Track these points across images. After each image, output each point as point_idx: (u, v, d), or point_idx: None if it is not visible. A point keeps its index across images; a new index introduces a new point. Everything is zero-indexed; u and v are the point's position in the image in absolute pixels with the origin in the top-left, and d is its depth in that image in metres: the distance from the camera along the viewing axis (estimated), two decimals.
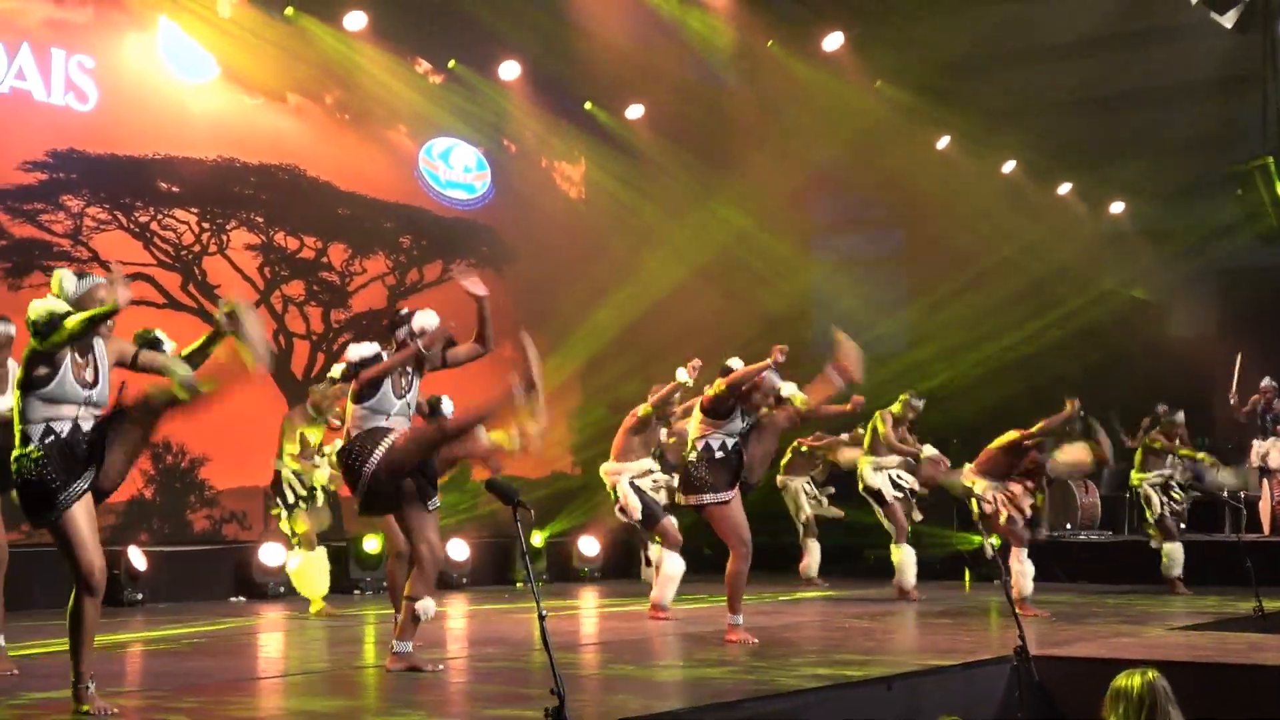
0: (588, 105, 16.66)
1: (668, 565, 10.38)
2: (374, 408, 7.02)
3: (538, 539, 14.69)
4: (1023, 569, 10.44)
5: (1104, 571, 13.38)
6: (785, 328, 17.03)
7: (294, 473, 10.62)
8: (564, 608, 11.53)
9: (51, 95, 12.16)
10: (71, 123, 12.31)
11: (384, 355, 7.09)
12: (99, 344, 5.91)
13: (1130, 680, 5.30)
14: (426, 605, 6.96)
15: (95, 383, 5.84)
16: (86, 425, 5.81)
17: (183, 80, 13.06)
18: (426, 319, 7.17)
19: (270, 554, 12.04)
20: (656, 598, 10.35)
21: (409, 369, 7.13)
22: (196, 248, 13.19)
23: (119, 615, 10.73)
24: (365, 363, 7.04)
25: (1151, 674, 5.35)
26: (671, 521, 10.51)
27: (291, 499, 10.63)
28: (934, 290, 17.73)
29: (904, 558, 12.05)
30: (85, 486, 5.75)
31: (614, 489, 10.54)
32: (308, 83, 14.14)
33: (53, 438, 5.73)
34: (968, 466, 10.79)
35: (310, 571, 10.76)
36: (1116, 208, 19.56)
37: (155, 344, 6.09)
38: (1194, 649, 8.04)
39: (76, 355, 5.81)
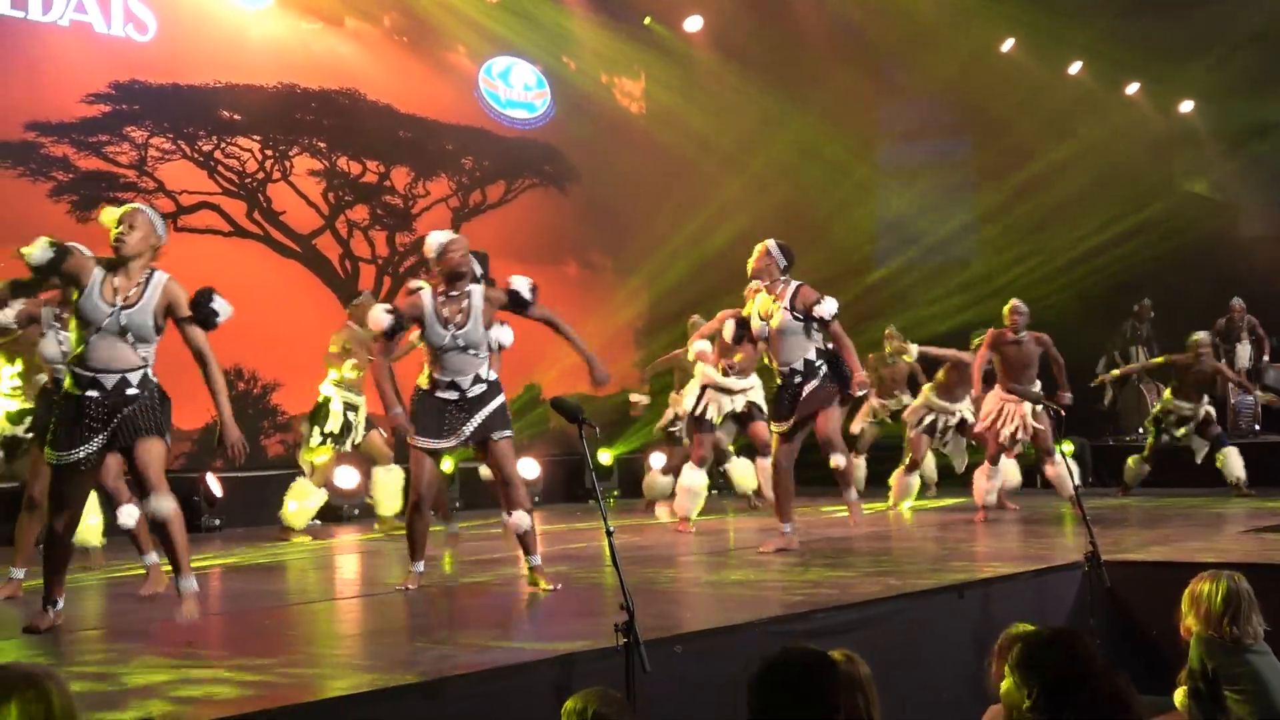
0: (647, 20, 16.52)
1: (689, 479, 10.70)
2: None
3: (606, 457, 14.75)
4: (985, 483, 10.80)
5: (1176, 476, 13.26)
6: (849, 237, 16.97)
7: (341, 401, 10.66)
8: (635, 524, 11.59)
9: (111, 27, 12.21)
10: (132, 54, 12.37)
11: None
12: (156, 275, 5.88)
13: (1215, 583, 5.22)
14: (517, 519, 7.06)
15: (129, 306, 5.79)
16: (111, 381, 5.76)
17: (240, 7, 13.07)
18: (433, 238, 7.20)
19: (344, 477, 12.15)
20: (681, 511, 10.72)
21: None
22: (260, 175, 13.26)
23: (198, 540, 10.90)
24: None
25: (1237, 576, 5.28)
26: (709, 438, 10.85)
27: (333, 428, 10.64)
28: (1003, 195, 17.52)
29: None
30: (81, 456, 5.77)
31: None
32: (364, 6, 14.12)
33: (70, 388, 5.80)
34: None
35: (304, 509, 10.82)
36: (1185, 107, 19.20)
37: (207, 315, 5.94)
38: (1268, 551, 7.98)
39: (112, 275, 5.81)
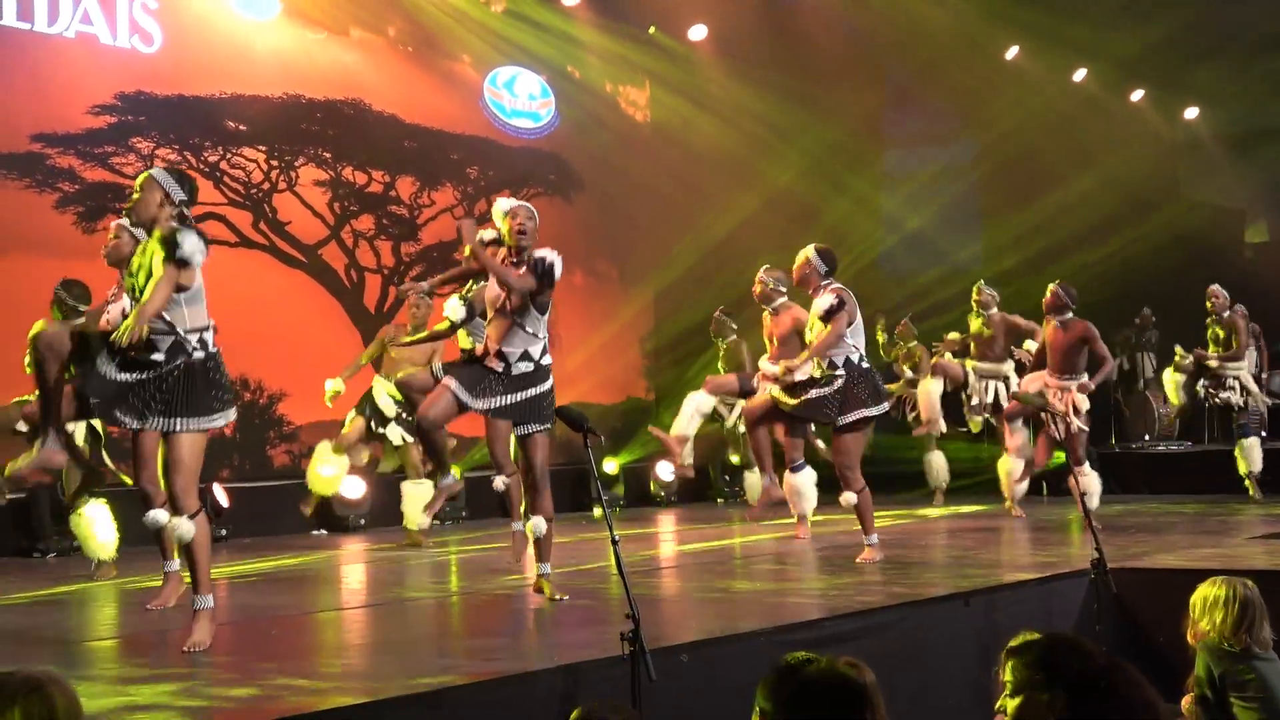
0: (651, 29, 16.52)
1: (695, 399, 11.00)
2: None
3: (612, 465, 14.73)
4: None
5: (1183, 482, 13.25)
6: (857, 243, 16.96)
7: (389, 396, 10.60)
8: (641, 533, 11.59)
9: (117, 38, 12.22)
10: (138, 65, 12.38)
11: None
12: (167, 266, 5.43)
13: (1226, 590, 5.18)
14: (535, 524, 7.09)
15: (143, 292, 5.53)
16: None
17: (245, 18, 13.07)
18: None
19: (351, 487, 12.14)
20: (679, 430, 10.92)
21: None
22: (266, 185, 13.27)
23: None
24: None
25: (1248, 582, 5.25)
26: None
27: (387, 411, 10.59)
28: (1008, 201, 17.52)
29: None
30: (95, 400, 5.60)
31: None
32: (369, 16, 14.12)
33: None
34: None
35: (331, 481, 10.82)
36: (1191, 113, 19.20)
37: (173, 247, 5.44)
38: (1276, 558, 7.96)
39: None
